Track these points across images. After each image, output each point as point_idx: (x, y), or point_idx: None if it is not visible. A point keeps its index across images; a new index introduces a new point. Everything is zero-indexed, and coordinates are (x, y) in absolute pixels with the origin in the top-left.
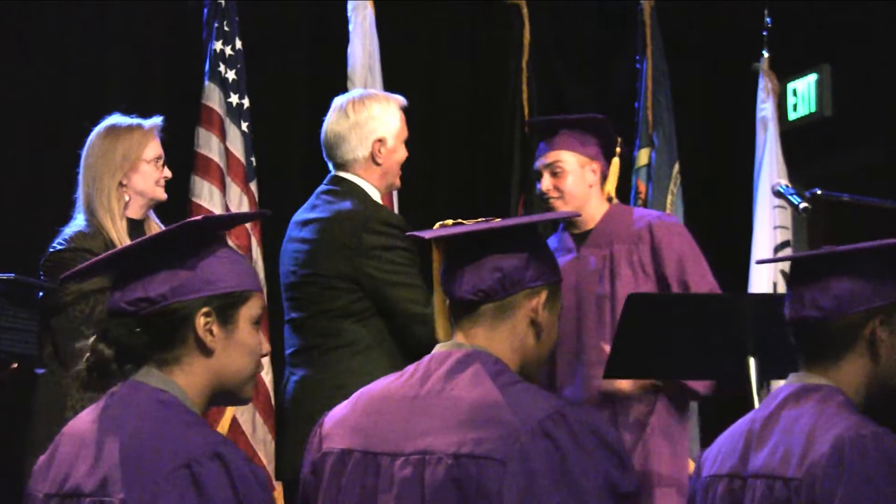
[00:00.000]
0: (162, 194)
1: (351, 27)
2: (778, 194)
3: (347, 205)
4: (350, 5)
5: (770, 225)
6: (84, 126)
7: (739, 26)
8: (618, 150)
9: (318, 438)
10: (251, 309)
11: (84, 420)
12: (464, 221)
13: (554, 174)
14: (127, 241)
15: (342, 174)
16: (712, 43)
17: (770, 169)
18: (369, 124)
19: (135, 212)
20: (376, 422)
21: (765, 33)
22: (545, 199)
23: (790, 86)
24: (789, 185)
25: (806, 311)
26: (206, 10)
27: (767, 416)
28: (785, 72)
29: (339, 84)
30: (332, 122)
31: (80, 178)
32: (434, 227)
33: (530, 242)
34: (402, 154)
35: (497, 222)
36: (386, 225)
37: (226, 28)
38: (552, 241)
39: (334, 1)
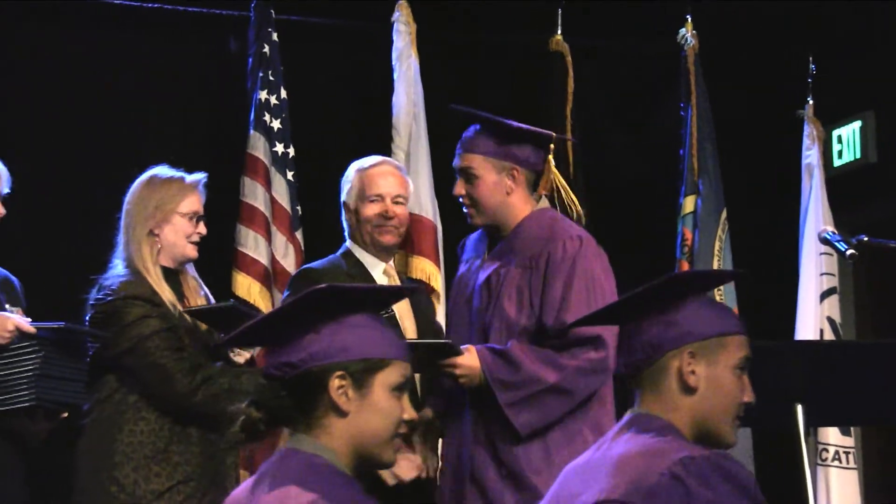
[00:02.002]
0: (191, 252)
1: (395, 76)
2: (824, 241)
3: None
4: (394, 54)
5: (816, 272)
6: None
7: (784, 74)
8: (550, 155)
9: None
10: (389, 376)
11: (243, 487)
12: None
13: (467, 180)
14: (164, 289)
15: (347, 242)
16: (757, 90)
17: (816, 216)
18: (343, 188)
19: (168, 262)
20: (561, 489)
21: (809, 80)
22: (459, 203)
23: (834, 132)
24: (835, 232)
25: (621, 368)
26: (250, 60)
27: (601, 454)
28: (829, 118)
29: (384, 133)
30: None
31: (120, 223)
32: None
33: (669, 305)
34: (369, 211)
35: (636, 292)
36: (290, 283)
37: (270, 77)
38: (471, 241)
39: (379, 50)
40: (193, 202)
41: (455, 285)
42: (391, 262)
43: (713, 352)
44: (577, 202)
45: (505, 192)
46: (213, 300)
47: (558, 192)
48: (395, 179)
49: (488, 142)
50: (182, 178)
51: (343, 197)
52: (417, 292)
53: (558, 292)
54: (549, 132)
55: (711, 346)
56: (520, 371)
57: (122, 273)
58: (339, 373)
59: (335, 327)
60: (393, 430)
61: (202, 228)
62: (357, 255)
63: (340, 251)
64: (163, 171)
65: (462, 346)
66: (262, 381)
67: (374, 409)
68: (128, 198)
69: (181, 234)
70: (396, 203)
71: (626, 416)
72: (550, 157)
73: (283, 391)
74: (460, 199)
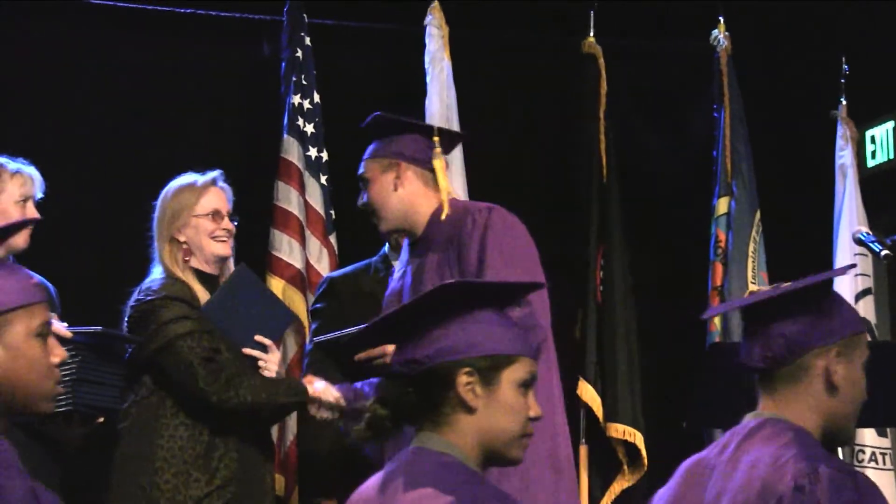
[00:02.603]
0: (219, 248)
1: (428, 79)
2: (859, 242)
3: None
4: (427, 58)
5: (851, 273)
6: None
7: (817, 74)
8: (436, 149)
9: None
10: (515, 372)
11: (370, 486)
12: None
13: (364, 187)
14: (200, 290)
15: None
16: (790, 90)
17: (850, 216)
18: None
19: (203, 266)
20: (682, 492)
21: (842, 81)
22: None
23: (868, 133)
24: (870, 233)
25: (755, 359)
26: (283, 64)
27: (727, 459)
28: (863, 119)
29: None
30: None
31: (155, 231)
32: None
33: (816, 302)
34: None
35: (781, 287)
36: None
37: (304, 82)
38: (404, 250)
39: (412, 54)
40: (210, 201)
41: (387, 295)
42: None
43: (852, 350)
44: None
45: (392, 189)
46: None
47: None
48: None
49: (373, 143)
50: (193, 183)
51: None
52: None
53: (474, 260)
54: (430, 125)
55: (851, 345)
56: None
57: (160, 275)
58: (466, 369)
59: (462, 323)
60: (520, 428)
61: (227, 224)
62: (393, 259)
63: (378, 254)
64: (182, 178)
65: None
66: (300, 390)
67: (501, 406)
68: (154, 212)
69: (203, 233)
70: None
71: (753, 419)
72: (438, 150)
73: (410, 388)
74: (365, 210)
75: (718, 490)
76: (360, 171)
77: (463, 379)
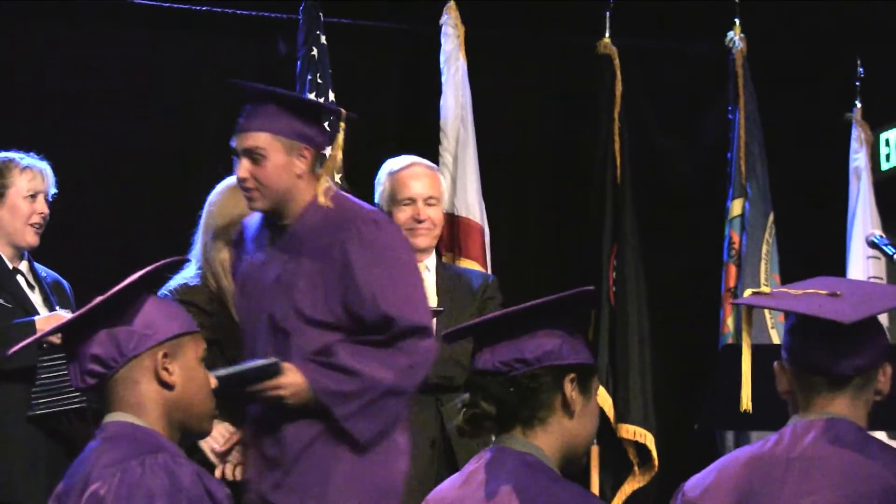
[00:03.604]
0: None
1: (443, 79)
2: (872, 245)
3: None
4: (442, 57)
5: (864, 276)
6: (218, 172)
7: (832, 77)
8: (340, 133)
9: None
10: (596, 383)
11: (451, 486)
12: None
13: (253, 161)
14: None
15: None
16: (805, 93)
17: (864, 219)
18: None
19: None
20: (750, 485)
21: (857, 83)
22: (242, 187)
23: (883, 136)
24: (883, 236)
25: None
26: (299, 63)
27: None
28: (877, 122)
29: (432, 136)
30: None
31: (201, 225)
32: (745, 294)
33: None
34: (402, 216)
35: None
36: None
37: (319, 80)
38: (251, 230)
39: (427, 53)
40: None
41: (239, 285)
42: (429, 261)
43: None
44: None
45: (295, 175)
46: None
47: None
48: (427, 180)
49: (277, 119)
50: None
51: (376, 199)
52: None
53: (367, 283)
54: (340, 108)
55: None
56: (356, 378)
57: (190, 274)
58: (572, 375)
59: (567, 330)
60: (595, 435)
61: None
62: None
63: None
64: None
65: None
66: None
67: (591, 413)
68: (210, 200)
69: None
70: (429, 205)
71: (818, 419)
72: (341, 135)
73: (511, 388)
74: (243, 184)
75: (803, 490)
76: (251, 143)
77: (569, 385)
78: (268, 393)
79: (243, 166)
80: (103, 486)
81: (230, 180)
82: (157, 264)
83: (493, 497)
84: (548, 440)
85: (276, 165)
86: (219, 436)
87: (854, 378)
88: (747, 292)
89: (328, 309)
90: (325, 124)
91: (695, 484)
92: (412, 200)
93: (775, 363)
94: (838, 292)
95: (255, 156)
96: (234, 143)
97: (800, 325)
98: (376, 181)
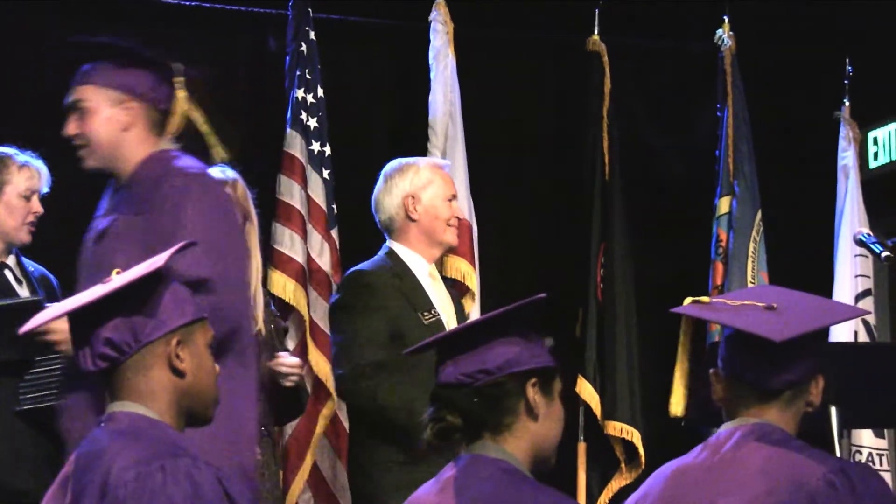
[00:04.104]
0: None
1: (432, 76)
2: (860, 243)
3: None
4: (431, 54)
5: (851, 274)
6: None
7: (821, 75)
8: (181, 91)
9: None
10: (559, 384)
11: (427, 493)
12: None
13: (79, 116)
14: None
15: (387, 242)
16: (794, 91)
17: (851, 217)
18: (399, 185)
19: None
20: (676, 494)
21: (846, 82)
22: (72, 146)
23: (871, 134)
24: (871, 234)
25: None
26: (288, 58)
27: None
28: (866, 120)
29: (420, 132)
30: (375, 191)
31: None
32: (685, 303)
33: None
34: (446, 211)
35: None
36: (343, 286)
37: (308, 76)
38: (103, 199)
39: (416, 50)
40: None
41: (82, 246)
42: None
43: None
44: (220, 147)
45: (120, 128)
46: (272, 306)
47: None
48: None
49: (101, 70)
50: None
51: (410, 189)
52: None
53: (166, 236)
54: (174, 63)
55: None
56: None
57: None
58: (533, 380)
59: (526, 336)
60: (561, 435)
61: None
62: (400, 254)
63: (383, 251)
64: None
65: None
66: None
67: (556, 414)
68: None
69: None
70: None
71: (742, 426)
72: (181, 93)
73: (475, 398)
74: (72, 141)
75: (732, 490)
76: (75, 96)
77: (531, 390)
78: (39, 338)
79: (70, 122)
80: (124, 492)
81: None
82: (172, 250)
83: (463, 500)
84: (517, 445)
85: (100, 118)
86: None
87: (784, 392)
88: (686, 301)
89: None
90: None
91: (634, 497)
92: (455, 198)
93: (711, 370)
94: (774, 305)
95: (80, 110)
96: (65, 101)
97: (734, 337)
98: (409, 173)
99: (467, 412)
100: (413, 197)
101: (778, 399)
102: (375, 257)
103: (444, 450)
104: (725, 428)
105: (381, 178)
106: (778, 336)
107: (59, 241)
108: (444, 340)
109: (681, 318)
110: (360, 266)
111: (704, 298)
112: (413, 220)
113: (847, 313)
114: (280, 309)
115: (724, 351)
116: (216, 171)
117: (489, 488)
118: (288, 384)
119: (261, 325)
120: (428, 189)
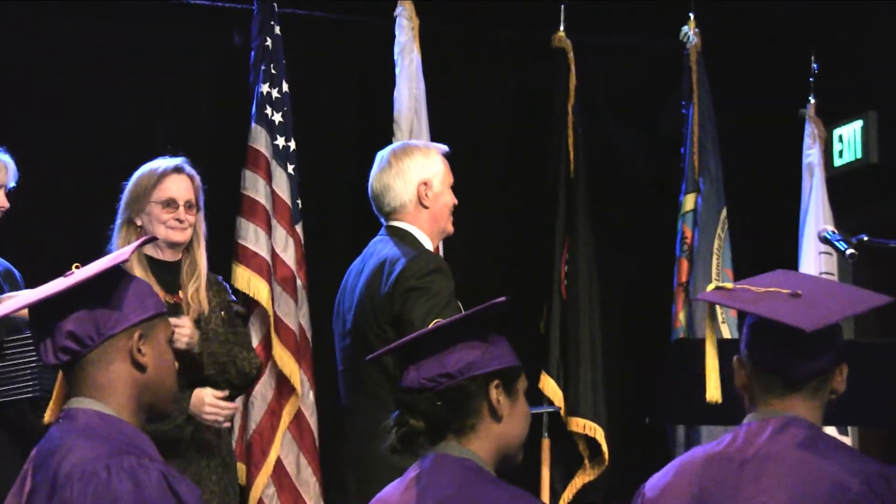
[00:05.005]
0: (174, 236)
1: (397, 71)
2: (824, 240)
3: (398, 252)
4: (396, 49)
5: (816, 271)
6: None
7: (786, 72)
8: None
9: None
10: (523, 382)
11: (392, 492)
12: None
13: None
14: (151, 280)
15: (394, 223)
16: (759, 88)
17: (816, 215)
18: (412, 169)
19: (158, 252)
20: (706, 486)
21: (811, 80)
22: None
23: (836, 132)
24: (836, 232)
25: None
26: (253, 53)
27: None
28: (831, 118)
29: (385, 127)
30: (376, 174)
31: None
32: (708, 289)
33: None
34: (450, 198)
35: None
36: (427, 271)
37: (273, 71)
38: None
39: (381, 45)
40: (167, 189)
41: None
42: None
43: None
44: None
45: None
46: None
47: None
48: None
49: None
50: (156, 169)
51: (425, 175)
52: None
53: None
54: None
55: None
56: None
57: None
58: (496, 381)
59: (482, 339)
60: (526, 433)
61: (181, 213)
62: (421, 240)
63: (399, 235)
64: (148, 164)
65: None
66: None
67: (519, 414)
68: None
69: (157, 221)
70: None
71: (774, 418)
72: None
73: (438, 401)
74: None
75: (757, 489)
76: None
77: (494, 391)
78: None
79: None
80: (69, 492)
81: (144, 166)
82: (137, 243)
83: (438, 502)
84: (481, 445)
85: None
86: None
87: (811, 380)
88: (710, 287)
89: None
90: None
91: (654, 484)
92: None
93: (734, 358)
94: (799, 292)
95: None
96: None
97: (760, 325)
98: (419, 156)
99: (430, 416)
100: (426, 184)
101: (805, 388)
102: (396, 241)
103: (407, 454)
104: (755, 419)
105: (386, 160)
106: (809, 325)
107: (24, 237)
108: (406, 345)
109: (645, 314)
110: (417, 250)
111: (728, 285)
112: (425, 207)
113: (872, 301)
114: (244, 304)
115: (749, 339)
116: (166, 161)
117: (452, 487)
118: (178, 346)
119: (203, 305)
120: (439, 176)
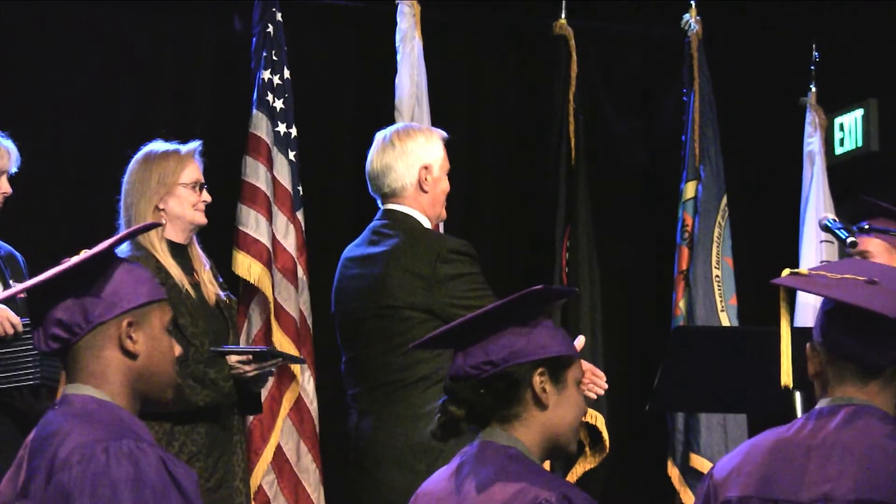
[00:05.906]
0: (201, 219)
1: (399, 58)
2: (825, 228)
3: (412, 236)
4: (398, 36)
5: (816, 259)
6: (127, 154)
7: (787, 61)
8: None
9: (712, 488)
10: (575, 371)
11: (438, 479)
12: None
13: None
14: (171, 264)
15: (393, 206)
16: (760, 76)
17: (817, 203)
18: (415, 152)
19: (177, 236)
20: (772, 470)
21: (812, 68)
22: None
23: (837, 120)
24: (836, 220)
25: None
26: (254, 40)
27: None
28: (832, 106)
29: (387, 114)
30: (377, 153)
31: (121, 204)
32: (783, 275)
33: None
34: (447, 185)
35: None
36: (458, 254)
37: (274, 57)
38: None
39: (382, 32)
40: (193, 171)
41: None
42: None
43: None
44: None
45: None
46: (220, 278)
47: None
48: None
49: None
50: (178, 150)
51: (426, 159)
52: None
53: None
54: None
55: None
56: None
57: (126, 251)
58: (540, 369)
59: (528, 327)
60: (579, 421)
61: (206, 196)
62: (424, 224)
63: (404, 219)
64: (157, 145)
65: None
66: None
67: (568, 403)
68: (126, 177)
69: (187, 204)
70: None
71: (847, 405)
72: None
73: (482, 389)
74: None
75: (822, 476)
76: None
77: (537, 379)
78: None
79: None
80: (68, 475)
81: (137, 155)
82: (130, 230)
83: (482, 489)
84: (527, 433)
85: None
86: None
87: (887, 368)
88: (784, 272)
89: None
90: None
91: (722, 465)
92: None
93: (807, 344)
94: (875, 279)
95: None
96: None
97: (837, 312)
98: (421, 139)
99: (473, 403)
100: (427, 168)
101: (880, 376)
102: (402, 227)
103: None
104: (827, 404)
105: (388, 140)
106: (894, 312)
107: (27, 221)
108: (450, 333)
109: (646, 302)
110: (443, 234)
111: (803, 270)
112: (424, 192)
113: None
114: (245, 290)
115: (825, 325)
116: (173, 144)
117: (496, 474)
118: (256, 389)
119: (215, 288)
120: (439, 162)
